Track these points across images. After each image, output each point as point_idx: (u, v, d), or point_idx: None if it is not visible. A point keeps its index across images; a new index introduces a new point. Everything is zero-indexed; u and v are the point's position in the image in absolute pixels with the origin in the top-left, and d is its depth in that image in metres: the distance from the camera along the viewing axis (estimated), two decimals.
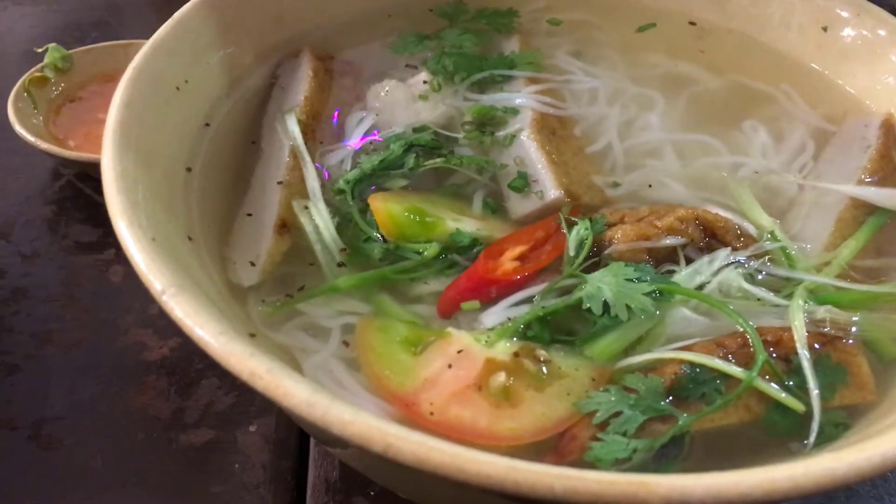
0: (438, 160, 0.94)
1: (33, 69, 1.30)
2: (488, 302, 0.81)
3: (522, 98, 1.02)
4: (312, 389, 0.60)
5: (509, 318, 0.79)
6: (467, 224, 0.88)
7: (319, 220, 0.88)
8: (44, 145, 1.19)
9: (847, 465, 0.58)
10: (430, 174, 0.94)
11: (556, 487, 0.55)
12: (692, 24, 1.16)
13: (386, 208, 0.86)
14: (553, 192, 0.90)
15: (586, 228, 0.84)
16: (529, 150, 0.95)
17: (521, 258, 0.84)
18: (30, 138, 1.20)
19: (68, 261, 1.18)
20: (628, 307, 0.76)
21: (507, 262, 0.82)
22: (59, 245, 1.20)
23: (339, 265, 0.85)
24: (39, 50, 1.33)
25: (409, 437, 0.57)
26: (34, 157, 1.28)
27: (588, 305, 0.77)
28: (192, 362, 1.06)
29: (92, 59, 1.36)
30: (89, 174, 1.27)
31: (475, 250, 0.86)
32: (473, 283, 0.82)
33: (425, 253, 0.85)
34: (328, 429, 0.59)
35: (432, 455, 0.57)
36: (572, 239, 0.84)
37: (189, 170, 0.89)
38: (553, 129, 1.00)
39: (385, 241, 0.86)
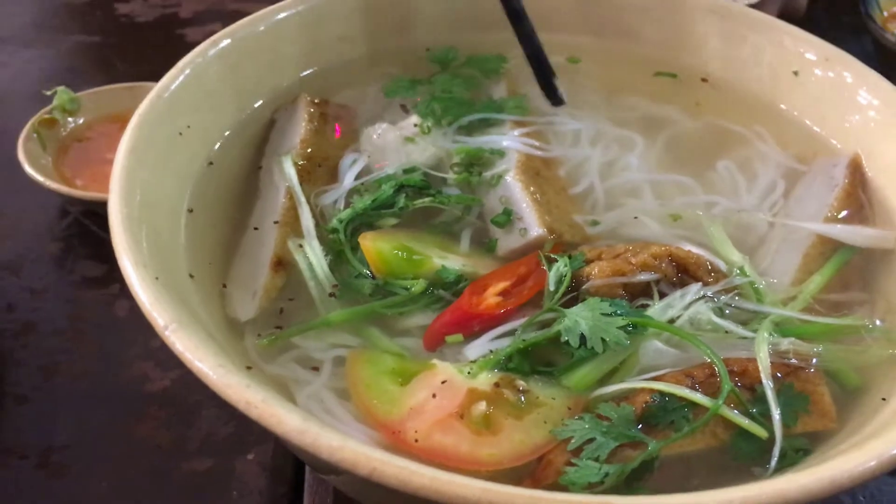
0: (426, 199, 0.98)
1: (42, 111, 1.35)
2: (472, 335, 0.86)
3: (508, 140, 1.06)
4: (303, 418, 0.65)
5: (491, 351, 0.83)
6: (453, 261, 0.92)
7: (313, 258, 0.92)
8: (53, 185, 1.24)
9: (798, 486, 0.62)
10: (419, 213, 0.99)
11: None
12: (672, 75, 1.22)
13: (375, 247, 0.91)
14: (536, 230, 0.95)
15: (565, 265, 0.89)
16: (514, 191, 0.99)
17: (504, 293, 0.88)
18: (39, 178, 1.24)
19: (75, 295, 1.22)
20: (603, 340, 0.80)
21: (491, 297, 0.87)
22: (67, 280, 1.24)
23: (331, 296, 0.90)
24: (48, 93, 1.37)
25: (392, 462, 0.62)
26: (42, 196, 1.32)
27: (566, 338, 0.81)
28: (193, 393, 1.09)
29: (98, 101, 1.41)
30: (95, 212, 1.31)
31: (460, 286, 0.90)
32: (457, 317, 0.86)
33: (413, 289, 0.89)
34: (318, 454, 0.63)
35: (413, 478, 0.61)
36: (552, 275, 0.88)
37: (191, 210, 0.93)
38: (537, 170, 1.04)
39: (374, 277, 0.91)
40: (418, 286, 0.89)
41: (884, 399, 0.79)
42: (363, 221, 0.97)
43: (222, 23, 1.73)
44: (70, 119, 1.38)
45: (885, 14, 1.70)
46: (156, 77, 1.41)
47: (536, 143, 1.07)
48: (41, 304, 1.20)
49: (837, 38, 1.72)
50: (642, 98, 1.18)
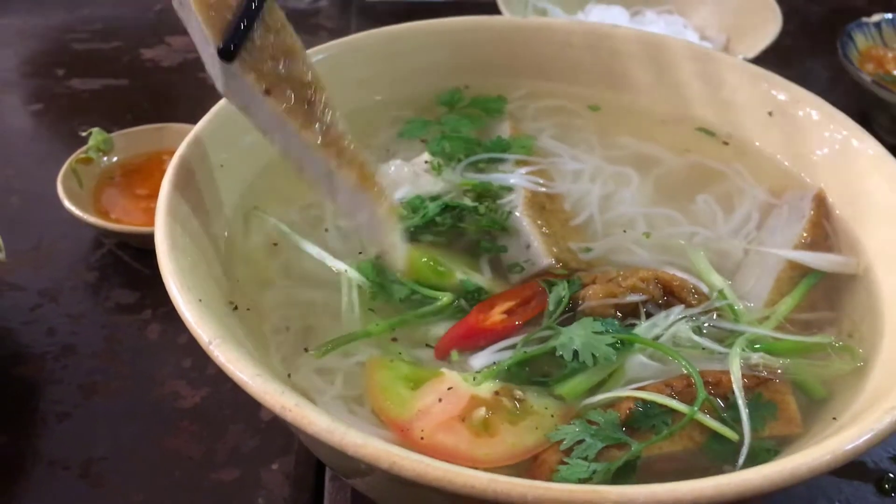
0: (474, 215, 1.10)
1: (79, 151, 1.45)
2: (477, 348, 0.95)
3: (515, 178, 1.16)
4: (331, 419, 0.74)
5: (494, 362, 0.92)
6: (475, 278, 1.03)
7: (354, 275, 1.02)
8: (90, 219, 1.33)
9: (761, 476, 0.70)
10: (443, 236, 1.09)
11: (528, 496, 0.68)
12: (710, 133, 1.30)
13: (409, 253, 1.02)
14: (544, 260, 1.04)
15: (565, 289, 0.99)
16: (523, 224, 1.09)
17: (509, 312, 0.97)
18: (77, 213, 1.34)
19: (110, 321, 1.31)
20: (593, 355, 0.90)
21: (496, 315, 0.97)
22: (102, 307, 1.33)
23: (370, 310, 0.99)
24: (84, 133, 1.47)
25: (410, 457, 0.70)
26: (77, 229, 1.42)
27: (560, 353, 0.91)
28: (221, 409, 1.18)
29: (129, 140, 1.51)
30: (128, 244, 1.41)
31: (481, 297, 1.00)
32: (465, 331, 0.95)
33: (442, 300, 0.99)
34: (344, 451, 0.72)
35: (428, 471, 0.69)
36: (553, 296, 0.98)
37: (228, 238, 1.04)
38: (543, 205, 1.14)
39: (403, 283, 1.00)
40: (446, 299, 0.99)
41: (834, 418, 0.87)
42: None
43: None
44: (104, 157, 1.48)
45: (861, 54, 1.82)
46: (181, 118, 1.54)
47: (541, 181, 1.16)
48: (79, 328, 1.29)
49: (817, 78, 1.84)
50: (630, 138, 1.28)
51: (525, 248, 1.07)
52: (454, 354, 0.94)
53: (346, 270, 1.02)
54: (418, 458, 0.71)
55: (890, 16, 1.88)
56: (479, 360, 0.93)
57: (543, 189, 1.16)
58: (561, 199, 1.18)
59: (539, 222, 1.09)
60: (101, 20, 2.05)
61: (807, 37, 2.10)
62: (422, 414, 0.86)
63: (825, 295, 1.04)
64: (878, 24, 1.87)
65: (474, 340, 0.95)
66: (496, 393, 0.89)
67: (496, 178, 1.17)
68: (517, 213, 1.10)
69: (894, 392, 0.80)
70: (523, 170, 1.18)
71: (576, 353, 0.90)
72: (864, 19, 1.86)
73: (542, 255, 1.05)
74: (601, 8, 2.01)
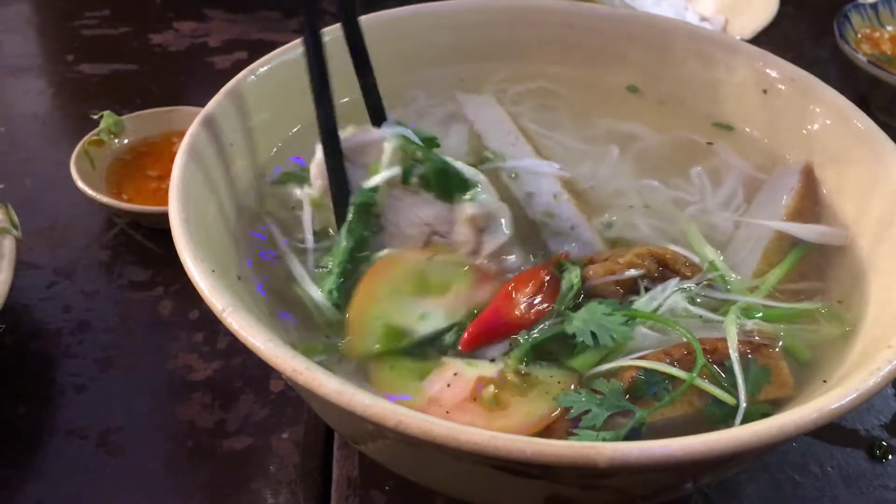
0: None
1: (91, 133, 1.48)
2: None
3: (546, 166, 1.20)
4: (341, 382, 0.77)
5: (510, 345, 0.95)
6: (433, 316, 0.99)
7: None
8: (104, 199, 1.37)
9: (750, 432, 0.74)
10: None
11: (527, 451, 0.71)
12: (631, 89, 1.35)
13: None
14: (597, 245, 1.10)
15: (576, 276, 1.01)
16: (570, 210, 1.13)
17: (531, 303, 0.99)
18: (90, 192, 1.37)
19: (123, 297, 1.35)
20: (612, 337, 0.93)
21: (522, 303, 0.98)
22: (116, 284, 1.36)
23: None
24: (95, 116, 1.50)
25: (415, 416, 0.74)
26: (90, 209, 1.46)
27: (581, 339, 0.94)
28: (232, 381, 1.21)
29: (140, 123, 1.54)
30: (139, 223, 1.45)
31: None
32: (493, 324, 0.96)
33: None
34: (353, 411, 0.75)
35: (433, 429, 0.72)
36: (565, 281, 1.01)
37: (238, 216, 1.07)
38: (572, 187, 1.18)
39: None
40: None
41: (824, 381, 0.91)
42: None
43: (248, 51, 1.90)
44: (115, 140, 1.51)
45: (859, 36, 1.84)
46: (189, 101, 1.57)
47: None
48: (93, 304, 1.33)
49: (815, 60, 1.87)
50: (611, 119, 1.32)
51: (570, 230, 1.10)
52: None
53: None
54: (424, 417, 0.74)
55: None
56: (494, 349, 0.96)
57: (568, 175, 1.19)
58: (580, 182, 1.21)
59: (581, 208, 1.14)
60: (109, 6, 2.08)
61: (806, 19, 2.12)
62: (434, 401, 0.89)
63: (815, 265, 1.07)
64: (874, 6, 1.89)
65: (502, 333, 0.97)
66: (500, 371, 0.92)
67: (529, 164, 1.19)
68: (563, 200, 1.13)
69: (879, 355, 0.83)
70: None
71: (594, 335, 0.94)
72: (861, 0, 1.88)
73: (595, 242, 1.10)
74: None
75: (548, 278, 1.01)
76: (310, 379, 0.78)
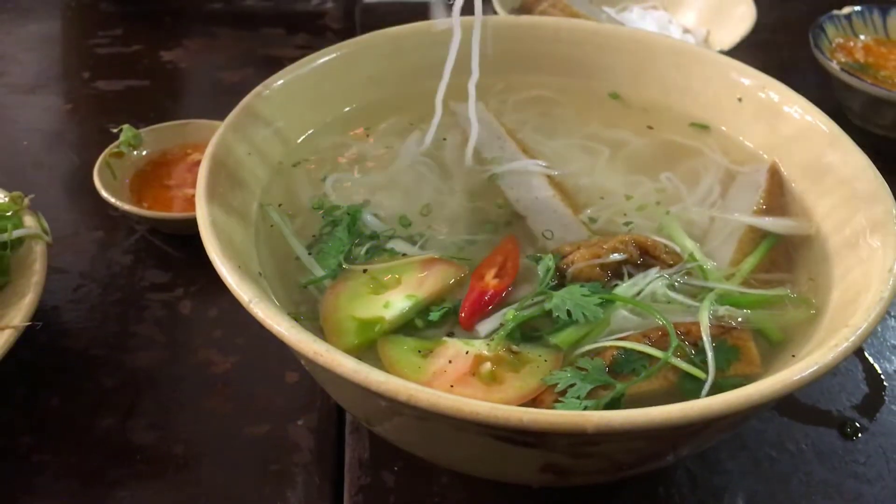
0: None
1: (111, 146, 1.56)
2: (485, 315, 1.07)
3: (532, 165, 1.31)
4: (357, 362, 0.87)
5: (501, 324, 1.05)
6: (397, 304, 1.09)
7: None
8: (127, 207, 1.45)
9: (721, 401, 0.82)
10: None
11: (524, 419, 0.81)
12: (614, 96, 1.46)
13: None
14: (583, 233, 1.20)
15: (551, 260, 1.12)
16: (556, 204, 1.25)
17: (498, 276, 1.11)
18: (113, 201, 1.46)
19: (146, 298, 1.43)
20: (584, 315, 1.04)
21: (490, 280, 1.10)
22: (138, 286, 1.45)
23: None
24: (115, 130, 1.58)
25: (424, 390, 0.83)
26: (111, 218, 1.55)
27: (557, 314, 1.04)
28: (250, 374, 1.30)
29: (157, 136, 1.62)
30: (158, 230, 1.53)
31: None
32: (479, 298, 1.08)
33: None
34: (368, 387, 0.84)
35: (440, 401, 0.82)
36: (541, 267, 1.11)
37: (257, 214, 1.17)
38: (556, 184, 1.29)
39: None
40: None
41: (793, 356, 1.01)
42: None
43: (254, 67, 1.99)
44: (134, 152, 1.60)
45: (833, 45, 1.95)
46: (200, 114, 1.66)
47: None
48: (118, 305, 1.41)
49: (794, 70, 1.97)
50: (600, 126, 1.42)
51: (557, 222, 1.21)
52: None
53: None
54: (432, 391, 0.84)
55: (859, 8, 2.00)
56: (486, 326, 1.06)
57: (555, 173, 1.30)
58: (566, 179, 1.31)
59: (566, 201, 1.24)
60: (121, 25, 2.18)
61: (785, 31, 2.23)
62: (436, 376, 0.99)
63: (784, 255, 1.18)
64: (848, 17, 1.99)
65: (487, 304, 1.08)
66: (494, 349, 1.02)
67: (517, 164, 1.30)
68: (550, 195, 1.24)
69: (839, 333, 0.93)
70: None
71: (569, 313, 1.04)
72: (836, 12, 1.98)
73: (582, 233, 1.20)
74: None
75: (505, 256, 1.14)
76: (329, 360, 0.87)
